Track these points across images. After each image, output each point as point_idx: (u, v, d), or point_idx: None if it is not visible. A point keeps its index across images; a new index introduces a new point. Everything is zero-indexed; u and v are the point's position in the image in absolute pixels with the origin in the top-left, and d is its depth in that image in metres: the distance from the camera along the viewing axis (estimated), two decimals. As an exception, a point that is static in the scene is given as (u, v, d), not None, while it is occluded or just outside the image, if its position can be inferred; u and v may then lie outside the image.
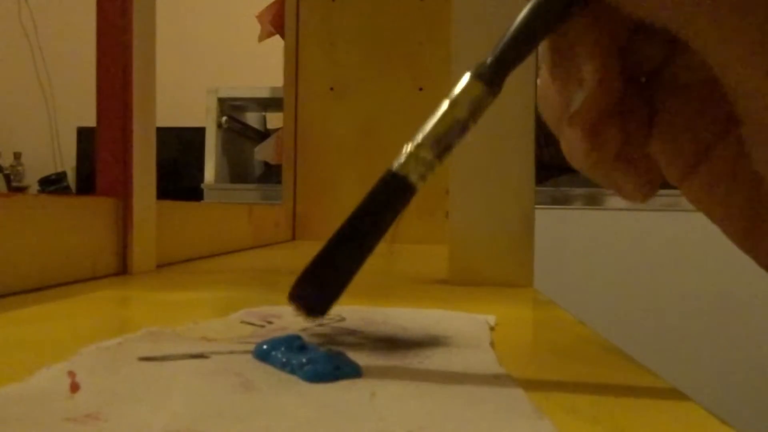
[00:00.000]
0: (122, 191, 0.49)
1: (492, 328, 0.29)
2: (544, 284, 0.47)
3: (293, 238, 1.05)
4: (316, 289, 0.20)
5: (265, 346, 0.22)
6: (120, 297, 0.42)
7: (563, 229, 1.10)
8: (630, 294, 1.11)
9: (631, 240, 1.12)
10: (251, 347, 0.23)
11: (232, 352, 0.22)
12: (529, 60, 0.57)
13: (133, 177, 0.48)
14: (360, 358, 0.22)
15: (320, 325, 0.28)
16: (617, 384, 0.22)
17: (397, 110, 1.03)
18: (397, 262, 0.71)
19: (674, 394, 0.20)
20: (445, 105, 0.19)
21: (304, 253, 0.86)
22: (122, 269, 0.49)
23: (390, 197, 0.20)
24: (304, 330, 0.27)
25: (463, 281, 0.46)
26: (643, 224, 1.11)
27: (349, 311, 0.32)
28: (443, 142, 0.19)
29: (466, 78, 0.19)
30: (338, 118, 1.05)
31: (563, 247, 1.11)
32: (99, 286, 0.44)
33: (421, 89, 1.03)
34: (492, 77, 0.19)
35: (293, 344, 0.21)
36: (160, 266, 0.54)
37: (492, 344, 0.26)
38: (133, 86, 0.48)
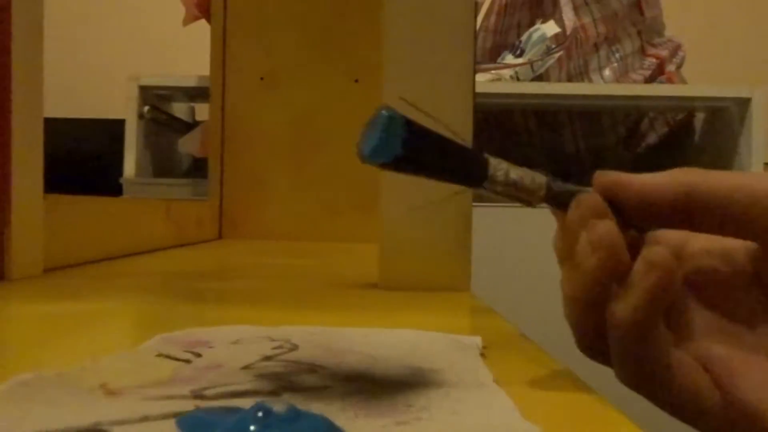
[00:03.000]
0: None
1: (482, 354, 0.22)
2: (480, 287, 0.43)
3: (220, 236, 0.95)
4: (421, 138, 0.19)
5: (201, 415, 0.13)
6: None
7: (500, 229, 1.05)
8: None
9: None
10: (174, 406, 0.14)
11: (145, 420, 0.14)
12: (467, 51, 0.50)
13: (11, 169, 0.38)
14: (331, 413, 0.14)
15: (267, 359, 0.20)
16: (568, 413, 0.18)
17: (332, 102, 0.95)
18: (328, 264, 0.64)
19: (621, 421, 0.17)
20: (529, 175, 0.22)
21: (232, 253, 0.77)
22: (-1, 274, 0.38)
23: (468, 161, 0.21)
24: (247, 367, 0.19)
25: (394, 285, 0.41)
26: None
27: (300, 335, 0.23)
28: (517, 188, 0.22)
29: (542, 179, 0.22)
30: (269, 109, 0.96)
31: (501, 248, 1.06)
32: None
33: (357, 81, 0.95)
34: (551, 198, 0.22)
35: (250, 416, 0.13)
36: (50, 270, 0.43)
37: (496, 381, 0.18)
38: (12, 66, 0.39)
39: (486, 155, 0.21)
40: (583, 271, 0.19)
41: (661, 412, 0.20)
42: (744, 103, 1.11)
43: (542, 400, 0.19)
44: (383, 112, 0.18)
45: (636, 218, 0.22)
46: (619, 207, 0.21)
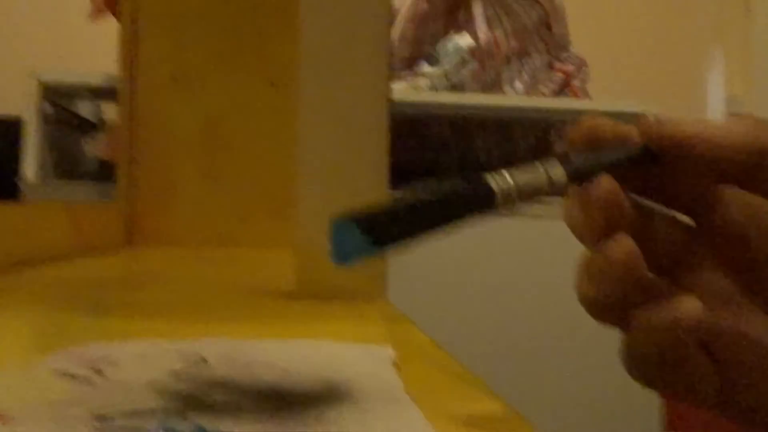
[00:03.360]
0: None
1: (395, 364, 0.22)
2: (397, 293, 0.43)
3: (129, 243, 0.91)
4: (387, 222, 0.19)
5: None
6: None
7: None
8: (485, 304, 1.10)
9: (488, 247, 1.11)
10: (72, 429, 0.13)
11: None
12: (381, 59, 0.50)
13: None
14: (241, 429, 0.14)
15: (174, 375, 0.19)
16: (476, 421, 0.18)
17: (247, 106, 0.93)
18: (241, 272, 0.63)
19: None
20: (540, 169, 0.20)
21: (141, 260, 0.75)
22: None
23: (472, 199, 0.19)
24: (152, 384, 0.18)
25: (309, 293, 0.41)
26: (495, 230, 1.10)
27: (210, 348, 0.22)
28: (527, 192, 0.19)
29: (557, 165, 0.20)
30: (181, 111, 0.93)
31: (417, 254, 1.07)
32: None
33: (273, 84, 0.94)
34: (573, 177, 0.20)
35: None
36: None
37: (406, 391, 0.19)
38: None
39: (485, 179, 0.19)
40: (603, 281, 0.18)
41: (568, 420, 0.20)
42: (635, 117, 1.19)
43: (452, 409, 0.19)
44: (333, 222, 0.18)
45: (690, 175, 0.20)
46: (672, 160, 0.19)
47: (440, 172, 1.28)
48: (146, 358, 0.21)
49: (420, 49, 1.21)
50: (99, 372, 0.19)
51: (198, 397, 0.17)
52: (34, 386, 0.17)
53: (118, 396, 0.16)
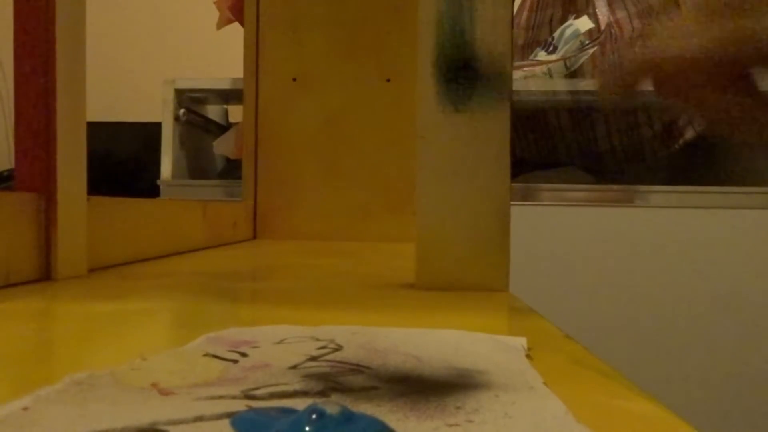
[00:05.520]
0: (44, 185, 0.39)
1: (528, 355, 0.22)
2: (516, 287, 0.42)
3: (254, 237, 0.96)
4: None
5: (254, 415, 0.13)
6: (38, 309, 0.33)
7: (534, 228, 1.04)
8: (604, 295, 1.05)
9: (605, 237, 1.06)
10: (227, 406, 0.14)
11: (200, 420, 0.14)
12: (505, 48, 0.50)
13: (57, 169, 0.39)
14: (381, 414, 0.14)
15: (313, 359, 0.20)
16: (621, 417, 0.17)
17: (364, 102, 0.95)
18: (362, 264, 0.64)
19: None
20: None
21: (267, 253, 0.78)
22: (45, 275, 0.39)
23: None
24: (294, 367, 0.19)
25: (431, 285, 0.41)
26: (613, 221, 1.05)
27: (343, 335, 0.23)
28: None
29: None
30: (302, 110, 0.96)
31: (534, 247, 1.04)
32: (13, 296, 0.34)
33: (388, 80, 0.95)
34: None
35: (304, 418, 0.13)
36: (94, 270, 0.44)
37: (544, 383, 0.18)
38: (57, 68, 0.40)
39: None
40: None
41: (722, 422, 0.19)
42: None
43: (593, 403, 0.18)
44: None
45: None
46: None
47: (559, 162, 1.23)
48: (285, 342, 0.22)
49: (536, 36, 1.17)
50: (243, 355, 0.20)
51: (337, 380, 0.17)
52: (188, 366, 0.18)
53: (263, 377, 0.17)
